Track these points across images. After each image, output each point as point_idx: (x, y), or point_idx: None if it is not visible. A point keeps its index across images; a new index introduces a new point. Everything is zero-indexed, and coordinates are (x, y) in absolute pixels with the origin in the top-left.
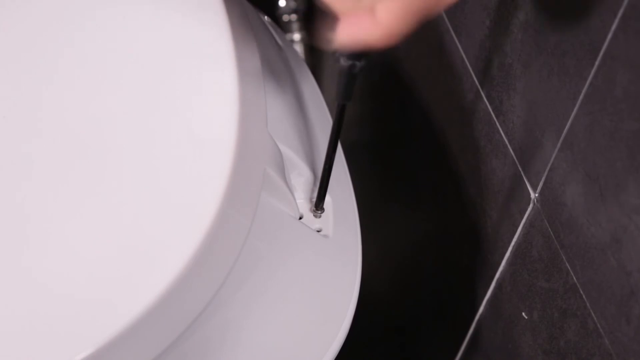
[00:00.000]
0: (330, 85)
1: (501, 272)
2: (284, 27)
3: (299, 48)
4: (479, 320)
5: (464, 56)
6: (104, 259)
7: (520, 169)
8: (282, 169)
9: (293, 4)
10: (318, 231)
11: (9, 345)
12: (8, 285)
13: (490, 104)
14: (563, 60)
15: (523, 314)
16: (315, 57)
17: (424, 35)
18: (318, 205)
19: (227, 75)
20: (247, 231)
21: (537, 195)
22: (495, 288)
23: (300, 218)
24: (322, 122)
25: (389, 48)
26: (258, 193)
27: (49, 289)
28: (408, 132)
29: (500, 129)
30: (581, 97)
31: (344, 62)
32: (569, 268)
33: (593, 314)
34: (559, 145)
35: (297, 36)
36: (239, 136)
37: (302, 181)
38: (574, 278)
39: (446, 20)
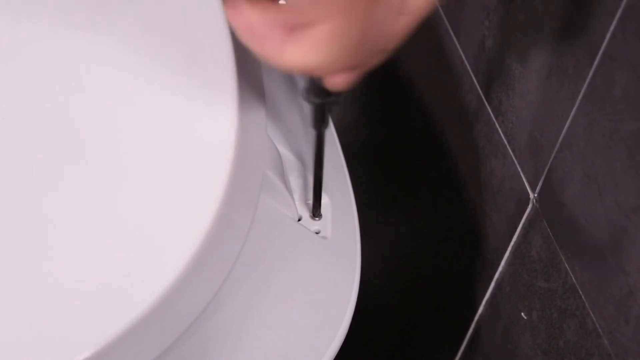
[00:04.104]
0: None
1: (500, 273)
2: None
3: None
4: (478, 320)
5: (463, 57)
6: (104, 260)
7: (519, 169)
8: (281, 171)
9: None
10: (317, 233)
11: (9, 346)
12: (7, 287)
13: (489, 104)
14: (562, 61)
15: (522, 314)
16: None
17: (424, 36)
18: (315, 213)
19: (227, 78)
20: (246, 233)
21: (536, 195)
22: (495, 288)
23: (299, 220)
24: None
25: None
26: (257, 195)
27: (49, 290)
28: (407, 132)
29: (499, 130)
30: (580, 97)
31: (312, 99)
32: (568, 268)
33: (592, 314)
34: (557, 145)
35: None
36: (239, 138)
37: (301, 183)
38: (573, 278)
39: (445, 20)
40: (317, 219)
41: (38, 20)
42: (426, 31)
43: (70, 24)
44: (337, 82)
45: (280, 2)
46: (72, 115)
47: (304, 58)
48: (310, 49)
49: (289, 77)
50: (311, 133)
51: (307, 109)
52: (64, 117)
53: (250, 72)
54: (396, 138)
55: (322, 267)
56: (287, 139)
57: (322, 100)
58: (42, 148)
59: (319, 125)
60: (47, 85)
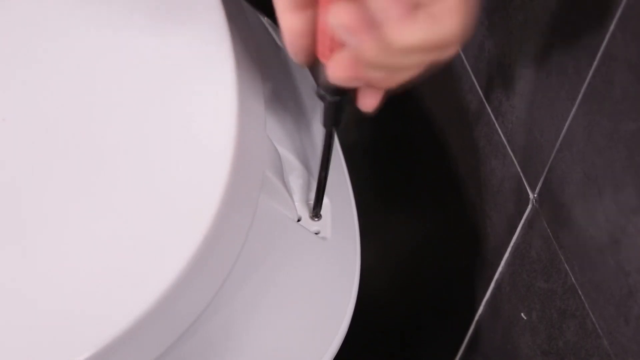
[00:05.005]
0: None
1: (500, 273)
2: None
3: None
4: (478, 320)
5: (463, 57)
6: (104, 260)
7: (519, 169)
8: (281, 172)
9: None
10: (316, 233)
11: (10, 346)
12: (8, 287)
13: (489, 104)
14: (562, 61)
15: (522, 314)
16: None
17: None
18: (315, 214)
19: (226, 78)
20: (246, 233)
21: (535, 195)
22: (494, 289)
23: (299, 220)
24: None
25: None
26: (257, 196)
27: (49, 291)
28: (407, 132)
29: (499, 130)
30: (580, 97)
31: (329, 98)
32: (568, 269)
33: (592, 315)
34: (557, 145)
35: None
36: (238, 139)
37: (301, 183)
38: (573, 279)
39: None
40: (316, 219)
41: (38, 18)
42: None
43: (71, 24)
44: (368, 101)
45: None
46: (72, 117)
47: (424, 34)
48: (431, 25)
49: (288, 78)
50: (315, 133)
51: (310, 108)
52: (63, 118)
53: (250, 72)
54: (396, 138)
55: (321, 268)
56: (287, 139)
57: (339, 98)
58: (42, 149)
59: (331, 124)
60: (47, 84)
